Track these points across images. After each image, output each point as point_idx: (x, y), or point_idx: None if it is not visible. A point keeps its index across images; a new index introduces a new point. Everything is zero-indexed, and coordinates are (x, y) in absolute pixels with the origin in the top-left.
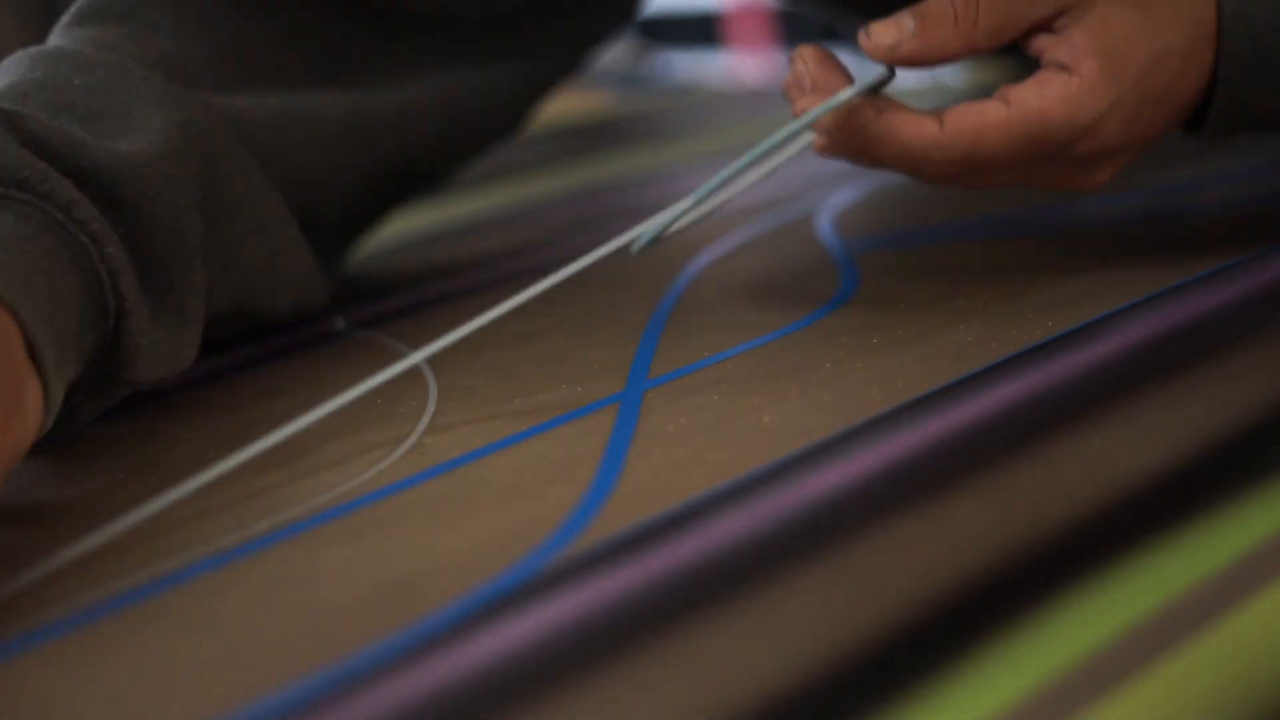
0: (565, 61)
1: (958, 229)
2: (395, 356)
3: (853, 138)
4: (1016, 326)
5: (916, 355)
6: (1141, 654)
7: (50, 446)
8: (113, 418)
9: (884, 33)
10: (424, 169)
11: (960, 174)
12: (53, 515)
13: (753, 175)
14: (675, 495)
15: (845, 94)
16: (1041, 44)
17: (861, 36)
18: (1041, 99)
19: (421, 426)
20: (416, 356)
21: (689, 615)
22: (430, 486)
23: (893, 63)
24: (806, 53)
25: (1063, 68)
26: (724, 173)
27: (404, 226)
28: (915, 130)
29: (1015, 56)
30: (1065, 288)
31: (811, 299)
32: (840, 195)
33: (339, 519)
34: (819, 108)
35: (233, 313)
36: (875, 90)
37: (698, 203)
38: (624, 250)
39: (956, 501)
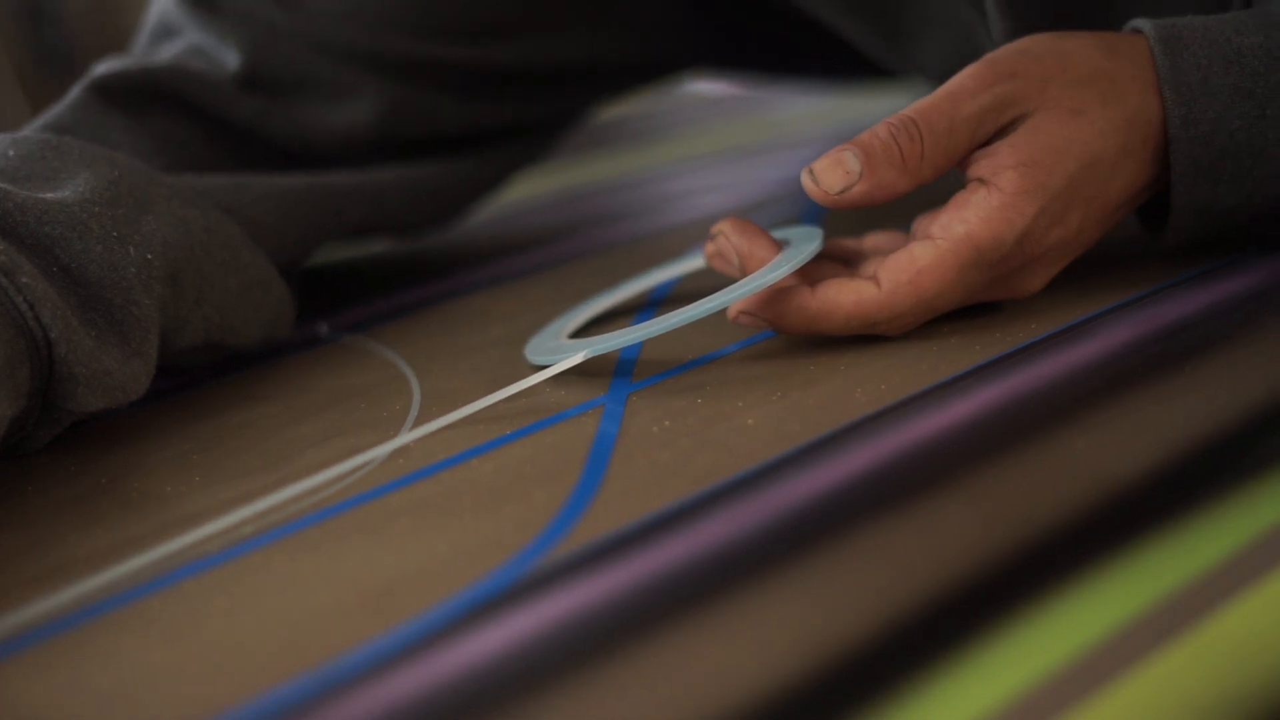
0: (530, 153)
1: None
2: (379, 361)
3: (795, 319)
4: (1000, 329)
5: (900, 358)
6: (1130, 654)
7: (35, 451)
8: (96, 421)
9: (831, 178)
10: (394, 229)
11: (914, 321)
12: (41, 518)
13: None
14: (659, 499)
15: (778, 271)
16: (970, 160)
17: (806, 179)
18: (965, 224)
19: (405, 431)
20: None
21: (673, 619)
22: (414, 490)
23: (839, 207)
24: (727, 226)
25: (982, 182)
26: (660, 324)
27: None
28: (856, 298)
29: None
30: (1049, 290)
31: None
32: None
33: (323, 523)
34: (752, 285)
35: (204, 344)
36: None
37: (618, 342)
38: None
39: (942, 504)
